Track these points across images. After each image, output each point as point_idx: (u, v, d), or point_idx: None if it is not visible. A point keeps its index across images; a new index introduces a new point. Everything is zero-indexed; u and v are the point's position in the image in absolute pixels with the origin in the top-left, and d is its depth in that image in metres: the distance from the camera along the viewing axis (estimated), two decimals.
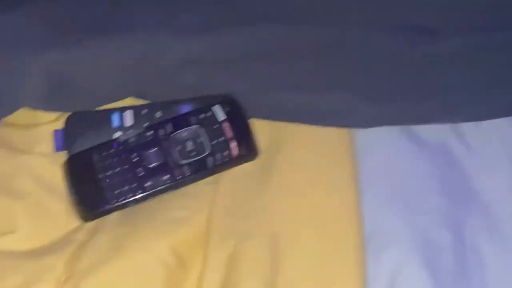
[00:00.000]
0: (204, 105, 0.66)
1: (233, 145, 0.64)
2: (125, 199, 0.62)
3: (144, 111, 0.67)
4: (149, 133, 0.64)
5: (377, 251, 0.62)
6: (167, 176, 0.63)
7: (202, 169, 0.64)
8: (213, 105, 0.66)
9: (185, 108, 0.67)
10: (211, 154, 0.64)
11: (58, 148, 0.66)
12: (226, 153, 0.64)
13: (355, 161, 0.65)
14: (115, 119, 0.66)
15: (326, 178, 0.64)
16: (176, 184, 0.63)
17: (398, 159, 0.67)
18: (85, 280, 0.57)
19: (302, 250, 0.60)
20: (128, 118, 0.66)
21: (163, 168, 0.63)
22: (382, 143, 0.67)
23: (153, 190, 0.63)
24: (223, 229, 0.61)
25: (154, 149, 0.64)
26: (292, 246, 0.61)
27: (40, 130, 0.67)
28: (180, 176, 0.63)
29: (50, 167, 0.64)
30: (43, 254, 0.60)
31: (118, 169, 0.63)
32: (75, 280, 0.57)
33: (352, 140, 0.67)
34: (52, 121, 0.68)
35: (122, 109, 0.67)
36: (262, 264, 0.59)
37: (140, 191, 0.62)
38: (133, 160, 0.63)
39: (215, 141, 0.64)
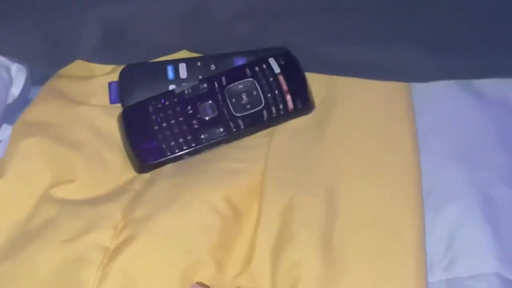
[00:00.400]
0: (259, 58, 0.65)
1: (289, 98, 0.63)
2: (180, 151, 0.62)
3: (198, 64, 0.66)
4: (203, 86, 0.64)
5: (436, 207, 0.60)
6: (222, 129, 0.62)
7: (257, 122, 0.63)
8: (268, 58, 0.65)
9: (240, 61, 0.66)
10: (266, 107, 0.63)
11: (113, 100, 0.66)
12: (281, 106, 0.63)
13: (413, 115, 0.64)
14: (170, 72, 0.66)
15: (384, 133, 0.63)
16: (231, 137, 0.63)
17: (458, 114, 0.65)
18: (141, 227, 0.57)
19: (358, 205, 0.59)
20: (183, 71, 0.66)
21: (218, 120, 0.63)
22: (442, 97, 0.66)
23: (208, 143, 0.62)
24: (278, 181, 0.61)
25: (209, 102, 0.63)
26: (348, 201, 0.59)
27: (95, 82, 0.67)
28: (235, 129, 0.63)
29: (106, 119, 0.64)
30: (100, 203, 0.60)
31: (173, 121, 0.62)
32: (131, 227, 0.57)
33: (411, 94, 0.65)
34: (107, 74, 0.67)
35: (177, 62, 0.66)
36: (318, 217, 0.59)
37: (195, 144, 0.62)
38: (188, 113, 0.63)
39: (270, 94, 0.63)
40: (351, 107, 0.64)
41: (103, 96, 0.67)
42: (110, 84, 0.67)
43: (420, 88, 0.66)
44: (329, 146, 0.62)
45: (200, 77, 0.65)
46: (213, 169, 0.61)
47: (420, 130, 0.63)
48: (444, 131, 0.64)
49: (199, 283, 0.56)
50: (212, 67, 0.66)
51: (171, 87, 0.65)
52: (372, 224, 0.58)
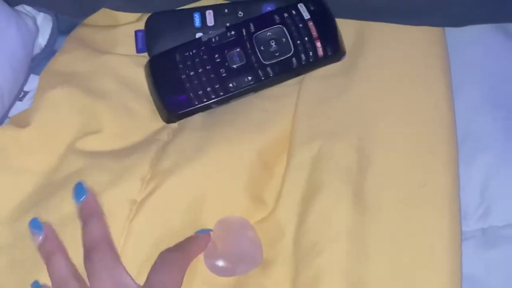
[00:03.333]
0: (288, 4, 0.63)
1: (319, 45, 0.62)
2: (208, 100, 0.61)
3: (226, 11, 0.65)
4: (231, 33, 0.62)
5: (471, 155, 0.59)
6: (251, 77, 0.61)
7: (286, 70, 0.62)
8: (297, 3, 0.63)
9: (268, 7, 0.65)
10: (296, 54, 0.62)
11: (140, 49, 0.65)
12: (311, 53, 0.62)
13: (447, 61, 0.62)
14: (197, 19, 0.64)
15: (417, 79, 0.61)
16: (260, 85, 0.61)
17: (493, 59, 0.63)
18: (169, 178, 0.57)
19: (390, 153, 0.58)
20: (210, 18, 0.64)
21: (247, 68, 0.61)
22: (477, 42, 0.63)
23: (236, 91, 0.61)
24: (307, 130, 0.60)
25: (237, 49, 0.62)
26: (380, 148, 0.58)
27: (121, 31, 0.66)
28: (264, 77, 0.61)
29: (133, 68, 0.63)
30: (128, 154, 0.59)
31: (200, 69, 0.61)
32: (159, 179, 0.57)
33: (445, 39, 0.63)
34: (132, 22, 0.66)
35: (203, 9, 0.65)
36: (349, 165, 0.57)
37: (223, 92, 0.61)
38: (216, 61, 0.61)
39: (299, 41, 0.62)
40: (383, 52, 0.63)
41: (130, 45, 0.65)
42: (136, 32, 0.65)
43: (455, 33, 0.63)
44: (359, 93, 0.61)
45: (228, 24, 0.64)
46: (242, 119, 0.60)
47: (455, 76, 0.62)
48: (479, 77, 0.62)
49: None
50: (240, 13, 0.64)
51: (198, 35, 0.64)
52: (404, 173, 0.57)
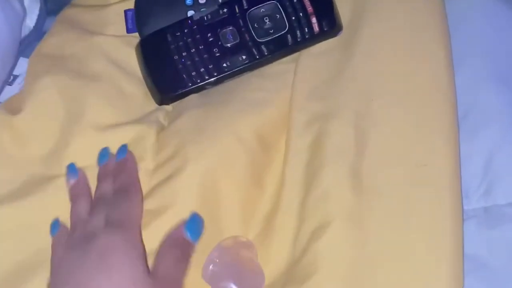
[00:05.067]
0: None
1: (314, 20, 0.60)
2: (202, 81, 0.59)
3: None
4: (224, 10, 0.60)
5: (473, 131, 0.57)
6: (245, 56, 0.59)
7: (281, 47, 0.60)
8: None
9: None
10: (291, 31, 0.60)
11: (130, 29, 0.63)
12: (306, 29, 0.60)
13: (448, 33, 0.60)
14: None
15: (416, 52, 0.59)
16: (255, 64, 0.60)
17: (496, 30, 0.61)
18: (171, 169, 0.56)
19: (389, 130, 0.56)
20: None
21: (240, 47, 0.60)
22: (478, 12, 0.61)
23: (230, 71, 0.59)
24: (305, 112, 0.58)
25: (230, 28, 0.60)
26: (378, 126, 0.56)
27: (110, 10, 0.64)
28: (259, 56, 0.60)
29: (124, 49, 0.62)
30: (125, 139, 0.58)
31: (193, 49, 0.59)
32: (164, 170, 0.56)
33: (444, 10, 0.61)
34: (122, 1, 0.64)
35: None
36: (347, 146, 0.56)
37: (217, 72, 0.59)
38: (209, 40, 0.60)
39: (294, 17, 0.60)
40: (380, 26, 0.60)
41: (120, 25, 0.64)
42: (126, 12, 0.64)
43: (455, 3, 0.61)
44: (358, 69, 0.59)
45: (220, 0, 0.62)
46: (238, 99, 0.59)
47: (455, 48, 0.59)
48: (481, 48, 0.60)
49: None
50: None
51: (190, 12, 0.62)
52: (403, 151, 0.56)
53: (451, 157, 0.55)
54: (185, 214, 0.54)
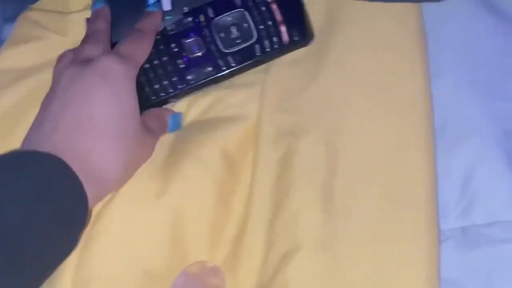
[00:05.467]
0: None
1: (283, 29, 0.57)
2: (166, 95, 0.56)
3: None
4: (188, 20, 0.57)
5: (451, 145, 0.54)
6: (211, 68, 0.56)
7: (249, 59, 0.57)
8: None
9: None
10: (259, 41, 0.57)
11: None
12: (275, 39, 0.57)
13: (425, 40, 0.57)
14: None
15: (391, 62, 0.56)
16: (221, 76, 0.57)
17: (475, 36, 0.58)
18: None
19: (362, 147, 0.54)
20: (166, 2, 0.59)
21: (206, 58, 0.56)
22: (457, 18, 0.58)
23: (196, 84, 0.56)
24: (275, 127, 0.55)
25: (195, 38, 0.57)
26: (351, 143, 0.54)
27: (71, 18, 0.61)
28: (225, 67, 0.56)
29: None
30: None
31: (156, 61, 0.56)
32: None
33: (421, 17, 0.58)
34: (83, 10, 0.61)
35: None
36: (318, 165, 0.53)
37: (181, 85, 0.56)
38: (173, 51, 0.57)
39: (262, 26, 0.57)
40: (355, 34, 0.57)
41: (82, 32, 0.60)
42: (87, 20, 0.60)
43: (432, 9, 0.58)
44: (330, 80, 0.56)
45: (186, 9, 0.58)
46: (204, 118, 0.56)
47: (433, 55, 0.57)
48: (460, 56, 0.57)
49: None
50: None
51: None
52: (377, 169, 0.53)
53: (427, 174, 0.53)
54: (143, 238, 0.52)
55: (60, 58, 0.56)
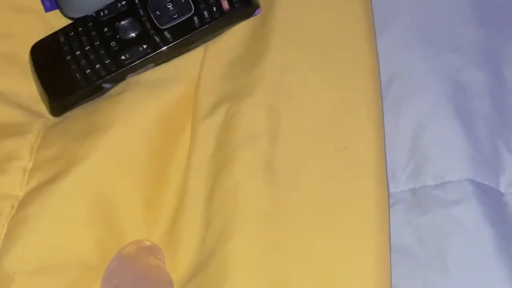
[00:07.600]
0: None
1: None
2: (98, 79, 0.54)
3: None
4: (122, 3, 0.55)
5: (398, 101, 0.52)
6: (146, 45, 0.54)
7: (187, 32, 0.54)
8: None
9: None
10: (197, 12, 0.54)
11: (48, 7, 0.59)
12: (214, 8, 0.54)
13: None
14: None
15: (335, 19, 0.53)
16: (159, 54, 0.54)
17: None
18: (53, 171, 0.51)
19: (305, 109, 0.51)
20: None
21: (141, 37, 0.54)
22: None
23: (131, 64, 0.54)
24: (215, 92, 0.53)
25: (129, 19, 0.55)
26: (293, 107, 0.51)
27: None
28: (162, 43, 0.54)
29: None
30: (3, 138, 0.53)
31: (88, 47, 0.55)
32: (43, 171, 0.51)
33: None
34: None
35: None
36: (259, 130, 0.50)
37: (115, 67, 0.54)
38: (106, 35, 0.55)
39: None
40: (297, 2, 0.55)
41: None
42: None
43: None
44: (272, 40, 0.53)
45: None
46: (138, 89, 0.54)
47: (377, 10, 0.54)
48: (405, 7, 0.54)
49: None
50: None
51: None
52: (321, 133, 0.50)
53: (374, 135, 0.50)
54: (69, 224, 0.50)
55: None
